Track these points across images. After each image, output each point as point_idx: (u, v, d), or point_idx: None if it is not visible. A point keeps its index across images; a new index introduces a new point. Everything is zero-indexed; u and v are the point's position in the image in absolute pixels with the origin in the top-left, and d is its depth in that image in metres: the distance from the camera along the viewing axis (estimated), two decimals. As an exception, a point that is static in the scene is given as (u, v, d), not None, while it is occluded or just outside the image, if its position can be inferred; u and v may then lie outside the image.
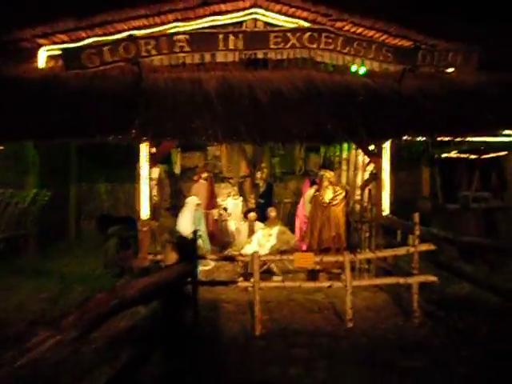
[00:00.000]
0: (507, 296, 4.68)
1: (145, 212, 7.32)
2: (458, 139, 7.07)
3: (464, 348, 4.78)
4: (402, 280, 5.64)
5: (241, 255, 7.44)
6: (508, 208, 8.31)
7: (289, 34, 6.48)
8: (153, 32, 7.04)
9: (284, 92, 6.41)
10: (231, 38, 6.35)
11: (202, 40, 6.43)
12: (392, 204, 10.78)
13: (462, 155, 11.62)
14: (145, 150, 6.80)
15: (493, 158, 10.88)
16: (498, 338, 4.94)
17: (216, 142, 6.82)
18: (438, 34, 7.31)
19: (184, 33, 6.39)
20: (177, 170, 11.55)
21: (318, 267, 7.56)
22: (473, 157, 11.61)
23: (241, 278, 7.35)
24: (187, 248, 4.28)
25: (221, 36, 6.40)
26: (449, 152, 11.16)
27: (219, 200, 10.55)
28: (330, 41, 6.52)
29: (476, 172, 11.34)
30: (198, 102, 6.06)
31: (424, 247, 5.65)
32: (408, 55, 6.81)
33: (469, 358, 4.53)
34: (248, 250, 8.03)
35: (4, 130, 5.91)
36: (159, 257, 6.44)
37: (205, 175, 9.76)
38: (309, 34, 6.48)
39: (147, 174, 7.11)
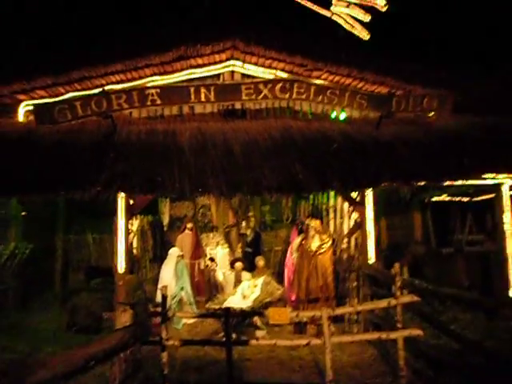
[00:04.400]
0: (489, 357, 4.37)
1: (121, 265, 7.09)
2: (444, 183, 7.00)
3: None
4: (384, 335, 5.31)
5: (220, 309, 7.14)
6: (499, 252, 8.04)
7: (260, 86, 6.53)
8: (130, 86, 7.12)
9: (259, 142, 6.35)
10: (202, 90, 6.39)
11: (173, 93, 6.48)
12: (386, 249, 10.62)
13: (455, 198, 11.52)
14: (121, 202, 6.70)
15: (486, 199, 10.73)
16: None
17: (183, 196, 6.68)
18: (414, 79, 7.35)
19: (156, 86, 6.42)
20: (165, 220, 11.46)
21: (305, 318, 7.29)
22: (465, 199, 11.51)
23: (222, 333, 7.03)
24: (144, 308, 4.03)
25: (192, 89, 6.45)
26: (439, 195, 11.04)
27: (208, 249, 10.38)
28: (302, 90, 6.55)
29: (468, 215, 11.18)
30: (169, 154, 6.00)
31: (406, 299, 5.35)
32: (382, 102, 6.81)
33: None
34: (231, 302, 7.79)
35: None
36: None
37: (189, 225, 9.65)
38: (280, 84, 6.53)
39: (124, 226, 6.96)
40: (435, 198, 11.24)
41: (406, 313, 6.24)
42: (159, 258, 9.86)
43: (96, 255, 12.20)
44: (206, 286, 9.66)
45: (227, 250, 10.77)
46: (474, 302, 4.74)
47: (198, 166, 5.75)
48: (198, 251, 9.74)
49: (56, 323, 8.27)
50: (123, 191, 5.79)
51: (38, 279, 10.54)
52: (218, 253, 10.58)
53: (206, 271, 9.83)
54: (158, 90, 6.36)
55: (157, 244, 10.30)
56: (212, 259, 10.10)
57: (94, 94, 6.40)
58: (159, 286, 8.06)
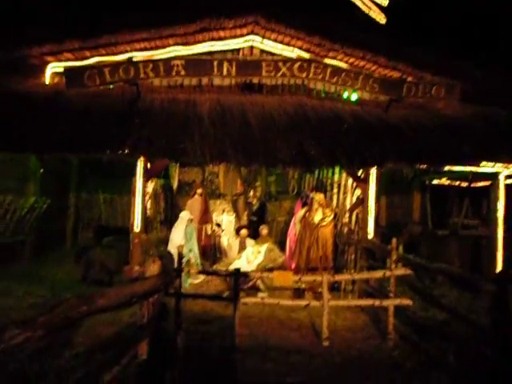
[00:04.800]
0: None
1: (137, 224, 7.58)
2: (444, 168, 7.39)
3: (432, 373, 4.96)
4: (377, 302, 5.86)
5: (227, 271, 7.68)
6: (491, 237, 8.51)
7: (280, 64, 6.86)
8: (153, 54, 7.45)
9: (274, 117, 6.74)
10: (225, 64, 6.72)
11: (197, 65, 6.81)
12: (384, 227, 11.10)
13: (454, 182, 11.90)
14: (140, 165, 7.12)
15: (483, 186, 11.13)
16: (464, 365, 5.12)
17: (203, 163, 7.09)
18: (425, 66, 7.66)
19: (181, 57, 6.75)
20: (174, 184, 11.86)
21: (303, 286, 7.83)
22: (464, 184, 11.90)
23: (227, 293, 7.57)
24: (170, 261, 4.52)
25: (215, 62, 6.78)
26: (440, 179, 11.42)
27: (214, 215, 10.82)
28: (319, 71, 6.88)
29: (466, 199, 11.60)
30: (190, 123, 6.39)
31: (400, 271, 5.88)
32: (394, 87, 7.15)
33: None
34: (236, 265, 8.30)
35: (8, 141, 6.25)
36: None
37: (199, 191, 10.04)
38: (298, 63, 6.86)
39: (141, 188, 7.41)
40: (435, 181, 11.62)
41: (399, 286, 6.79)
42: (169, 220, 10.36)
43: (106, 214, 12.68)
44: (211, 251, 10.18)
45: (233, 217, 11.24)
46: (460, 277, 5.22)
47: (217, 135, 6.16)
48: (205, 216, 10.16)
49: (70, 275, 8.77)
50: (147, 156, 6.22)
51: (52, 234, 11.08)
52: (224, 219, 11.06)
53: (212, 236, 10.33)
54: (183, 62, 6.69)
55: (167, 207, 10.77)
56: (218, 225, 10.57)
57: (123, 62, 6.72)
58: (169, 246, 8.60)
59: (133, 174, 7.67)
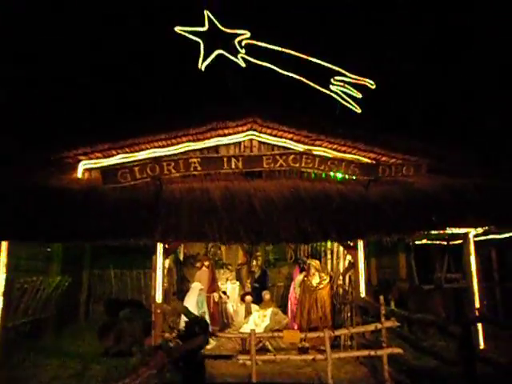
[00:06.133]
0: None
1: (158, 296, 8.59)
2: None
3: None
4: (372, 352, 6.90)
5: (240, 333, 8.62)
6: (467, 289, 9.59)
7: (277, 157, 8.38)
8: (169, 150, 8.98)
9: (274, 199, 8.15)
10: (233, 160, 8.23)
11: (210, 162, 8.31)
12: (376, 285, 12.18)
13: (434, 242, 13.17)
14: (160, 246, 8.29)
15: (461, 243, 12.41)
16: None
17: (220, 243, 8.29)
18: (396, 149, 9.28)
19: (197, 157, 8.25)
20: (181, 257, 12.91)
21: (307, 345, 8.77)
22: (444, 243, 13.17)
23: (239, 356, 8.45)
24: (205, 324, 5.57)
25: (225, 159, 8.29)
26: (421, 240, 12.70)
27: (219, 284, 11.78)
28: (309, 161, 8.43)
29: (446, 256, 12.85)
30: (206, 209, 7.73)
31: (389, 323, 6.98)
32: (371, 170, 8.70)
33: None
34: (245, 329, 9.21)
35: (52, 232, 7.44)
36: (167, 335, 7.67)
37: (207, 263, 11.13)
38: (292, 156, 8.40)
39: (161, 264, 8.51)
40: (418, 242, 12.89)
41: (394, 340, 7.81)
42: (180, 291, 11.33)
43: (116, 288, 13.50)
44: (219, 317, 11.06)
45: (236, 284, 12.26)
46: (433, 323, 6.32)
47: (230, 218, 7.48)
48: (213, 286, 11.15)
49: (91, 348, 9.35)
50: (175, 240, 7.46)
51: (67, 308, 11.91)
52: (228, 287, 12.06)
53: (219, 303, 11.26)
54: (199, 159, 8.17)
55: (178, 279, 11.77)
56: (224, 292, 11.55)
57: (149, 161, 8.17)
58: (182, 316, 9.52)
59: (141, 251, 8.72)
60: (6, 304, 7.82)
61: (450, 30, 16.24)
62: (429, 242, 13.09)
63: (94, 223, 7.14)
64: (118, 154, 8.98)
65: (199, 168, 8.08)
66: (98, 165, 8.93)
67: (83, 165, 9.04)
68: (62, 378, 7.54)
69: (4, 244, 7.75)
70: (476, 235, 9.54)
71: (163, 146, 9.01)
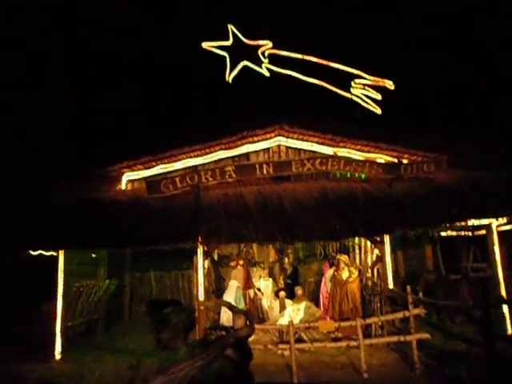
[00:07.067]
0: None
1: (201, 294, 9.35)
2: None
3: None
4: (402, 338, 7.47)
5: (279, 325, 9.27)
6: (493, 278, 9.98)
7: (305, 161, 9.03)
8: (204, 158, 9.76)
9: (303, 200, 8.79)
10: (265, 166, 8.92)
11: (244, 169, 9.04)
12: (403, 277, 12.61)
13: (459, 233, 13.49)
14: (200, 248, 9.04)
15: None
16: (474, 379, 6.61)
17: (258, 244, 8.97)
18: (417, 147, 9.79)
19: (231, 165, 9.00)
20: (215, 257, 13.62)
21: (340, 335, 9.36)
22: (469, 233, 13.48)
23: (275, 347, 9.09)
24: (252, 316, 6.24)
25: (257, 165, 9.00)
26: (446, 231, 13.06)
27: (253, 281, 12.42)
28: (335, 163, 9.04)
29: (472, 246, 13.16)
30: (242, 212, 8.45)
31: (416, 311, 7.53)
32: (393, 169, 9.24)
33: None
34: (282, 322, 9.86)
35: (103, 239, 8.29)
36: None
37: (241, 262, 11.77)
38: (319, 160, 9.03)
39: (202, 265, 9.27)
40: (443, 233, 13.25)
41: (423, 327, 8.31)
42: (218, 289, 12.05)
43: (156, 290, 14.32)
44: (255, 312, 11.71)
45: (269, 281, 12.88)
46: (457, 308, 6.81)
47: (264, 220, 8.17)
48: (248, 283, 11.77)
49: (140, 344, 10.10)
50: (217, 242, 8.20)
51: (113, 309, 12.82)
52: (262, 284, 12.68)
53: (254, 299, 11.91)
54: (234, 168, 8.92)
55: (215, 277, 12.49)
56: (259, 289, 12.19)
57: (188, 171, 8.96)
58: (221, 312, 10.25)
59: (178, 253, 9.42)
60: (65, 305, 8.73)
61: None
62: (454, 233, 13.42)
63: (146, 230, 7.94)
64: (158, 164, 9.79)
65: (234, 175, 8.80)
66: (140, 176, 9.77)
67: (126, 176, 9.89)
68: (121, 370, 8.35)
69: (61, 252, 8.69)
70: (500, 225, 9.93)
71: (198, 156, 9.79)
